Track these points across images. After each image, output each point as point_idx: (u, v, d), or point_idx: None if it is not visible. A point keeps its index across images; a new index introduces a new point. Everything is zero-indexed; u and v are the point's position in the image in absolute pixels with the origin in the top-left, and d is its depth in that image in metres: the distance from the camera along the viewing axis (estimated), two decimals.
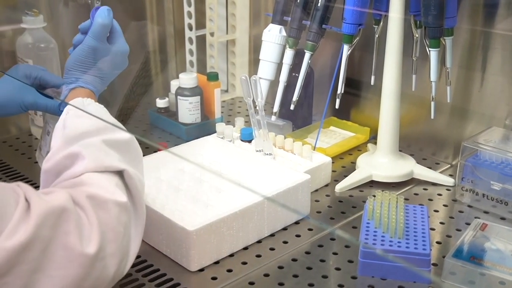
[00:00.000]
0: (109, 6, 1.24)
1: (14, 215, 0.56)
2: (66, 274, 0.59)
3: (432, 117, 1.03)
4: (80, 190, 0.64)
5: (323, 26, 1.04)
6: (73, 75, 0.85)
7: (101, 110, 0.79)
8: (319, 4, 1.03)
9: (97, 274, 0.61)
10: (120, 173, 0.70)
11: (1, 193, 0.57)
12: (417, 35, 1.03)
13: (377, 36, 1.07)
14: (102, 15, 0.85)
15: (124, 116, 1.33)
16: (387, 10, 0.99)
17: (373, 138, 1.20)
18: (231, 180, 0.95)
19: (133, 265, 0.82)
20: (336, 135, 1.22)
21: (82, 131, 0.71)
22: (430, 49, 0.98)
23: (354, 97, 1.25)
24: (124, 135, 0.74)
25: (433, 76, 1.00)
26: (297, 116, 1.23)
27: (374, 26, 1.07)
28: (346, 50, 1.03)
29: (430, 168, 1.09)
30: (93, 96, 0.84)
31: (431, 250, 0.80)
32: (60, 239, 0.58)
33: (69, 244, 0.59)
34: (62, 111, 0.79)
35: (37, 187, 1.02)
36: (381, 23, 1.05)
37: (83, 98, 0.80)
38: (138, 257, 0.82)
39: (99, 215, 0.63)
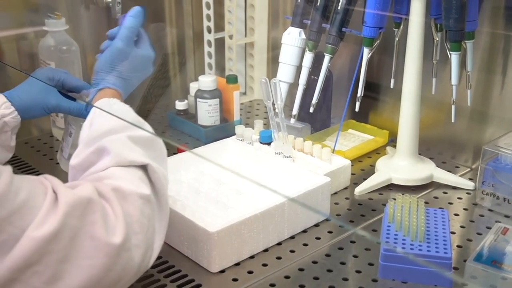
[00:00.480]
0: (128, 8, 1.26)
1: (42, 206, 0.57)
2: (93, 264, 0.60)
3: (452, 120, 1.03)
4: (105, 183, 0.66)
5: (343, 29, 1.04)
6: (101, 76, 0.87)
7: (126, 109, 0.81)
8: (339, 7, 1.03)
9: (123, 265, 0.63)
10: (144, 168, 0.71)
11: (30, 185, 0.58)
12: (437, 39, 1.03)
13: (397, 39, 1.07)
14: (131, 20, 0.88)
15: (142, 118, 1.34)
16: (407, 14, 0.99)
17: (392, 141, 1.20)
18: (254, 181, 0.96)
19: (155, 266, 0.83)
20: (355, 138, 1.23)
21: (108, 128, 0.73)
22: (451, 52, 0.98)
23: (373, 100, 1.25)
24: (147, 133, 0.76)
25: (454, 80, 1.00)
26: (315, 119, 1.24)
27: (394, 29, 1.07)
28: (366, 53, 1.03)
29: (449, 171, 1.08)
30: (119, 97, 0.86)
31: (452, 253, 0.80)
32: (87, 229, 0.60)
33: (96, 234, 0.60)
34: (88, 111, 0.81)
35: None
36: (401, 26, 1.05)
37: (109, 98, 0.82)
38: (159, 257, 0.83)
39: (124, 207, 0.64)
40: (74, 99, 0.99)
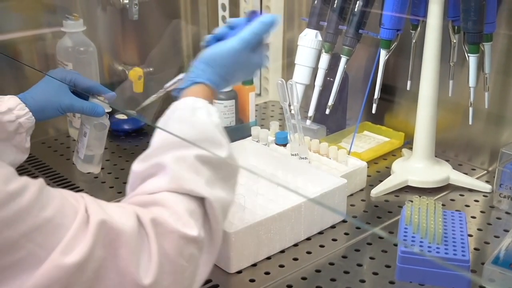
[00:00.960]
0: (145, 10, 1.27)
1: (71, 227, 0.53)
2: None
3: (470, 122, 1.03)
4: (150, 212, 0.61)
5: (360, 31, 1.04)
6: (202, 69, 0.78)
7: (208, 117, 0.72)
8: (356, 9, 1.03)
9: None
10: (201, 199, 0.65)
11: (59, 203, 0.54)
12: (454, 41, 1.03)
13: (414, 41, 1.07)
14: (261, 27, 0.81)
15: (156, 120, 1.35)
16: (425, 16, 0.99)
17: (408, 143, 1.20)
18: (275, 181, 0.96)
19: None
20: (371, 140, 1.22)
21: (178, 140, 0.67)
22: (469, 54, 0.98)
23: (388, 102, 1.25)
24: (221, 152, 0.69)
25: (472, 82, 1.00)
26: (331, 121, 1.24)
27: (411, 31, 1.07)
28: (383, 55, 1.03)
29: (466, 174, 1.08)
30: (212, 96, 0.78)
31: (470, 256, 0.80)
32: (114, 262, 0.55)
33: (124, 269, 0.55)
34: (176, 96, 0.76)
35: (74, 186, 1.05)
36: (419, 28, 1.05)
37: (196, 99, 0.73)
38: None
39: (161, 244, 0.59)
40: (87, 99, 1.00)
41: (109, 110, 1.03)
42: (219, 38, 0.82)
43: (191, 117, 0.70)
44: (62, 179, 1.10)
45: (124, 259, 0.55)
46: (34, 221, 0.51)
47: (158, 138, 0.69)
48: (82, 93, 1.00)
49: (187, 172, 0.64)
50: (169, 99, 1.35)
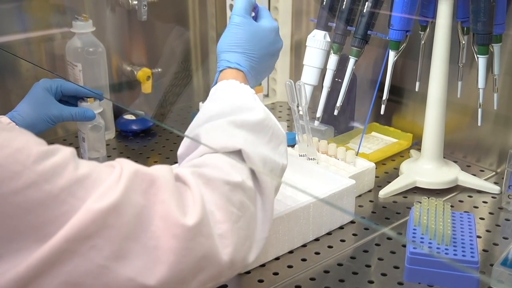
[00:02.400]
0: (152, 11, 1.27)
1: (107, 180, 0.55)
2: (160, 245, 0.55)
3: (479, 124, 1.03)
4: (189, 169, 0.63)
5: (368, 32, 1.04)
6: (222, 57, 0.80)
7: (238, 90, 0.74)
8: (364, 10, 1.03)
9: (202, 253, 0.58)
10: (239, 153, 0.66)
11: (93, 163, 0.57)
12: (463, 42, 1.02)
13: (423, 42, 1.07)
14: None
15: (167, 120, 1.36)
16: (434, 17, 0.99)
17: (416, 144, 1.20)
18: (284, 182, 0.96)
19: None
20: (379, 141, 1.22)
21: (211, 114, 0.70)
22: (478, 56, 0.98)
23: (397, 103, 1.25)
24: (255, 116, 0.70)
25: (481, 83, 0.99)
26: (339, 121, 1.24)
27: (420, 32, 1.06)
28: (392, 56, 1.03)
29: (474, 175, 1.08)
30: (243, 77, 0.78)
31: (478, 258, 0.80)
32: (155, 208, 0.56)
33: (165, 213, 0.56)
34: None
35: None
36: (428, 29, 1.05)
37: (227, 80, 0.76)
38: None
39: (204, 192, 0.60)
40: (75, 105, 1.01)
41: (100, 110, 1.05)
42: None
43: (221, 93, 0.74)
44: None
45: (163, 202, 0.56)
46: (71, 176, 0.53)
47: (194, 122, 0.72)
48: (69, 100, 1.01)
49: (220, 134, 0.67)
50: (168, 101, 1.37)
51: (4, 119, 0.91)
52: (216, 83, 0.78)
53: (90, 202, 0.53)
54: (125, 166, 0.57)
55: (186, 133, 0.71)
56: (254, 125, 0.70)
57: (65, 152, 0.54)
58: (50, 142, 1.25)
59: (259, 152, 0.68)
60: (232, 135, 0.67)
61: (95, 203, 0.53)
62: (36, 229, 0.52)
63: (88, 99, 1.03)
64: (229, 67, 0.78)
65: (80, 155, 1.09)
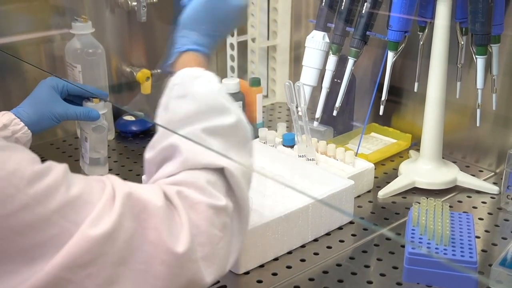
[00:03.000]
0: (152, 11, 1.27)
1: (99, 202, 0.54)
2: (148, 270, 0.55)
3: (477, 124, 1.03)
4: (174, 189, 0.61)
5: (367, 32, 1.04)
6: (185, 35, 0.74)
7: (208, 85, 0.69)
8: (363, 11, 1.03)
9: (188, 277, 0.58)
10: (220, 170, 0.64)
11: (85, 182, 0.56)
12: (462, 42, 1.03)
13: (421, 43, 1.07)
14: None
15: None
16: (432, 17, 0.99)
17: (415, 145, 1.20)
18: (282, 182, 0.96)
19: None
20: (378, 141, 1.23)
21: (182, 117, 0.66)
22: (477, 56, 0.98)
23: (396, 104, 1.25)
24: (228, 120, 0.67)
25: (479, 84, 1.00)
26: (338, 122, 1.24)
27: (419, 33, 1.07)
28: (391, 57, 1.03)
29: (473, 175, 1.08)
30: (205, 62, 0.74)
31: (477, 258, 0.80)
32: (145, 233, 0.56)
33: (155, 239, 0.56)
34: (167, 71, 0.73)
35: None
36: (426, 30, 1.05)
37: (192, 69, 0.70)
38: None
39: (190, 216, 0.60)
40: (80, 104, 1.01)
41: (104, 111, 1.06)
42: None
43: (190, 89, 0.68)
44: None
45: (155, 229, 0.56)
46: (63, 198, 0.53)
47: (160, 121, 0.68)
48: (74, 99, 1.01)
49: (198, 148, 0.64)
50: None
51: (9, 115, 0.91)
52: (172, 62, 0.73)
53: (85, 228, 0.52)
54: (117, 187, 0.57)
55: (157, 134, 0.68)
56: (226, 129, 0.67)
57: (57, 171, 0.54)
58: (50, 143, 1.26)
59: (237, 164, 0.66)
60: (209, 144, 0.65)
61: (90, 229, 0.53)
62: (26, 252, 0.52)
63: (94, 99, 1.04)
64: (191, 50, 0.73)
65: (81, 155, 1.10)
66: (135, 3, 1.24)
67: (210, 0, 0.74)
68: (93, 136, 1.05)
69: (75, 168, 1.14)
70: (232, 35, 1.39)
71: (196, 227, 0.59)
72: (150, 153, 0.68)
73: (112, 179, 0.58)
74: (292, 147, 1.12)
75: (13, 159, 0.52)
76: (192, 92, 0.68)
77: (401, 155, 1.19)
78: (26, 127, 0.91)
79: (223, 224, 0.62)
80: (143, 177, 0.96)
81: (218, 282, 0.82)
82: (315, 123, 1.13)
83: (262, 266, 0.85)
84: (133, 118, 1.29)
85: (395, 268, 0.84)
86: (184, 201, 0.60)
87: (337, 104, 1.09)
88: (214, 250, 0.61)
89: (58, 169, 0.54)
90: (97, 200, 0.55)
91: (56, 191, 0.52)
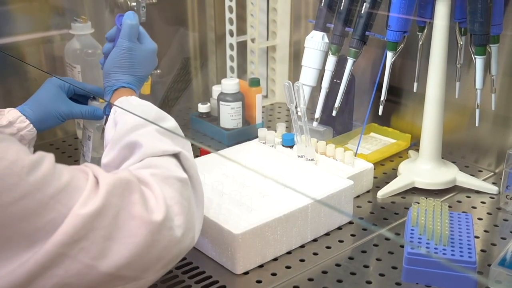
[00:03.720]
0: (152, 12, 1.28)
1: (86, 187, 0.60)
2: (136, 241, 0.62)
3: (477, 124, 1.03)
4: (143, 171, 0.69)
5: (366, 33, 1.04)
6: (113, 77, 0.88)
7: (146, 104, 0.82)
8: (362, 11, 1.03)
9: (165, 242, 0.65)
10: (176, 156, 0.74)
11: (71, 169, 0.62)
12: (461, 42, 1.03)
13: (420, 43, 1.07)
14: (130, 17, 0.88)
15: None
16: (431, 17, 0.99)
17: (414, 145, 1.20)
18: (282, 182, 0.96)
19: (179, 267, 0.84)
20: (377, 142, 1.23)
21: (134, 124, 0.75)
22: (476, 56, 0.98)
23: (395, 104, 1.25)
24: (171, 123, 0.79)
25: (479, 84, 1.00)
26: (337, 122, 1.24)
27: (418, 33, 1.07)
28: (390, 57, 1.03)
29: (472, 175, 1.08)
30: (135, 94, 0.88)
31: (476, 258, 0.80)
32: (128, 209, 0.62)
33: (136, 213, 0.62)
34: (106, 113, 0.87)
35: None
36: (425, 30, 1.05)
37: (127, 97, 0.84)
38: (183, 259, 0.84)
39: (163, 189, 0.67)
40: (85, 104, 1.02)
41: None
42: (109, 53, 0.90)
43: (134, 107, 0.79)
44: None
45: (135, 204, 0.63)
46: (58, 184, 0.58)
47: (111, 134, 0.77)
48: (79, 98, 1.02)
49: (155, 140, 0.73)
50: (169, 96, 1.36)
51: (15, 112, 0.92)
52: (109, 99, 0.87)
53: (77, 208, 0.58)
54: (99, 173, 0.63)
55: (109, 144, 0.76)
56: (173, 132, 0.78)
57: (49, 160, 0.59)
58: (50, 143, 1.26)
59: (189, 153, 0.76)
60: (162, 140, 0.74)
61: (81, 208, 0.59)
62: (28, 236, 0.56)
63: (100, 99, 1.03)
64: (123, 87, 0.87)
65: (81, 155, 1.10)
66: (134, 4, 1.23)
67: (130, 49, 0.88)
68: (97, 135, 1.05)
69: None
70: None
71: (170, 199, 0.67)
72: (107, 157, 0.75)
73: (91, 167, 0.65)
74: (291, 147, 1.12)
75: (12, 149, 0.56)
76: (136, 108, 0.79)
77: (401, 155, 1.19)
78: (32, 125, 0.92)
79: (188, 196, 0.70)
80: None
81: (218, 282, 0.82)
82: (315, 123, 1.13)
83: (261, 266, 0.85)
84: None
85: (394, 268, 0.84)
86: (155, 177, 0.68)
87: (337, 104, 1.09)
88: (185, 219, 0.68)
89: (49, 158, 0.60)
90: (84, 185, 0.60)
91: (52, 178, 0.58)
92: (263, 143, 1.13)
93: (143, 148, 0.72)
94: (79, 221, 0.58)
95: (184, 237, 0.68)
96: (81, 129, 1.24)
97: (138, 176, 0.67)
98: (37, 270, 0.57)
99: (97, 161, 1.07)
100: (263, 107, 1.42)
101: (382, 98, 1.06)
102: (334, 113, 1.10)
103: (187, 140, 0.80)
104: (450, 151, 1.16)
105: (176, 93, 1.36)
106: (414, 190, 1.05)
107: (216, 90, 1.30)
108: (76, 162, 1.18)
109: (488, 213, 0.99)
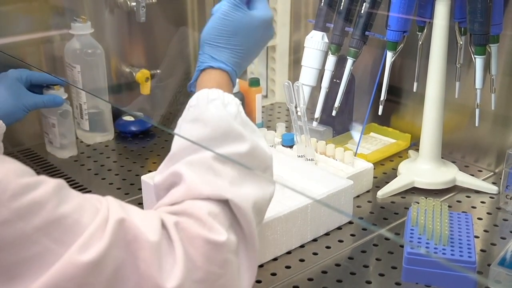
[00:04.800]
0: (152, 13, 1.28)
1: (90, 225, 0.51)
2: None
3: (476, 124, 1.03)
4: (173, 219, 0.58)
5: (366, 32, 1.04)
6: (206, 51, 0.70)
7: (223, 109, 0.65)
8: (362, 11, 1.03)
9: None
10: (225, 201, 0.61)
11: (79, 201, 0.52)
12: (461, 42, 1.03)
13: (420, 43, 1.07)
14: None
15: (166, 121, 1.36)
16: (431, 17, 0.99)
17: (414, 145, 1.20)
18: (281, 182, 0.96)
19: None
20: (377, 141, 1.23)
21: (194, 139, 0.63)
22: (475, 56, 0.98)
23: (395, 104, 1.25)
24: (241, 147, 0.64)
25: (478, 84, 1.00)
26: (337, 122, 1.24)
27: (417, 33, 1.07)
28: (390, 57, 1.03)
29: (472, 175, 1.08)
30: (227, 81, 0.70)
31: (476, 258, 0.80)
32: (134, 264, 0.52)
33: (144, 272, 0.52)
34: (191, 91, 0.71)
35: (81, 187, 1.06)
36: (425, 30, 1.05)
37: (209, 90, 0.67)
38: None
39: (187, 250, 0.56)
40: (41, 93, 1.08)
41: (65, 96, 1.13)
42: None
43: (204, 113, 0.64)
44: (67, 178, 1.10)
45: (145, 261, 0.53)
46: (49, 216, 0.49)
47: (175, 143, 0.65)
48: (34, 89, 1.07)
49: (206, 176, 0.61)
50: (178, 101, 1.37)
51: None
52: (195, 81, 0.71)
53: (73, 253, 0.49)
54: (112, 212, 0.53)
55: (165, 161, 0.65)
56: (241, 157, 0.64)
57: (48, 186, 0.50)
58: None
59: (249, 195, 0.62)
60: (217, 175, 0.61)
61: (78, 255, 0.49)
62: (6, 269, 0.48)
63: (55, 86, 1.10)
64: (212, 67, 0.70)
65: (47, 142, 1.17)
66: (134, 4, 1.24)
67: (229, 15, 0.70)
68: (61, 121, 1.13)
69: (73, 167, 1.15)
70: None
71: (192, 262, 0.56)
72: (158, 178, 0.65)
73: (109, 202, 0.55)
74: (291, 147, 1.12)
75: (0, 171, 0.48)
76: (204, 116, 0.64)
77: (400, 155, 1.19)
78: (1, 121, 0.93)
79: (224, 261, 0.58)
80: (143, 177, 0.96)
81: None
82: (314, 123, 1.13)
83: (261, 266, 0.85)
84: (132, 119, 1.29)
85: (394, 268, 0.84)
86: (182, 233, 0.57)
87: (336, 104, 1.09)
88: (212, 287, 0.57)
89: (49, 184, 0.51)
90: (88, 223, 0.51)
91: (41, 207, 0.49)
92: None
93: (186, 186, 0.60)
94: (72, 270, 0.49)
95: None
96: (81, 129, 1.25)
97: (164, 223, 0.56)
98: None
99: (66, 145, 1.16)
100: (263, 107, 1.42)
101: (382, 98, 1.06)
102: (334, 113, 1.10)
103: (265, 160, 0.65)
104: (450, 151, 1.16)
105: (185, 98, 1.36)
106: (414, 190, 1.05)
107: None
108: (75, 162, 1.18)
109: (488, 213, 0.99)
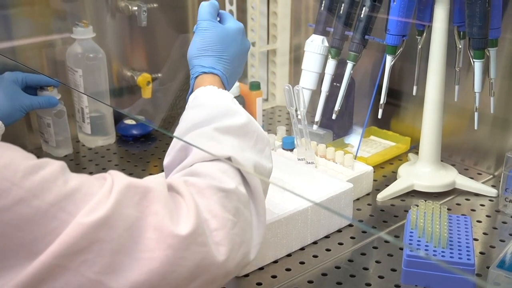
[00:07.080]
0: (153, 18, 1.29)
1: (97, 194, 0.54)
2: (154, 257, 0.55)
3: (475, 127, 1.04)
4: (181, 179, 0.63)
5: (366, 36, 1.05)
6: (195, 63, 0.80)
7: (218, 96, 0.75)
8: (362, 15, 1.04)
9: (196, 261, 0.57)
10: (229, 160, 0.66)
11: (84, 177, 0.56)
12: (460, 46, 1.03)
13: (420, 47, 1.07)
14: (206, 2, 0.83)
15: (167, 125, 1.36)
16: (430, 21, 1.00)
17: (414, 148, 1.21)
18: (281, 185, 0.97)
19: None
20: (377, 145, 1.23)
21: (195, 122, 0.71)
22: (474, 60, 0.98)
23: (394, 107, 1.26)
24: (238, 119, 0.72)
25: (477, 87, 1.00)
26: (337, 125, 1.25)
27: (417, 37, 1.07)
28: (389, 60, 1.04)
29: (472, 178, 1.09)
30: (218, 81, 0.79)
31: (475, 260, 0.81)
32: (148, 220, 0.56)
33: (159, 224, 0.56)
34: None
35: None
36: (424, 34, 1.06)
37: (205, 87, 0.76)
38: None
39: (198, 201, 0.60)
40: (36, 95, 1.11)
41: (59, 97, 1.16)
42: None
43: (202, 99, 0.74)
44: None
45: (156, 214, 0.56)
46: (61, 190, 0.52)
47: (177, 130, 0.73)
48: (29, 91, 1.10)
49: (209, 143, 0.67)
50: (178, 105, 1.38)
51: None
52: (192, 90, 0.79)
53: (80, 217, 0.52)
54: (116, 179, 0.57)
55: (171, 144, 0.71)
56: (238, 129, 0.71)
57: (54, 165, 0.53)
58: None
59: (248, 157, 0.69)
60: (219, 142, 0.68)
61: (85, 217, 0.52)
62: (27, 246, 0.51)
63: (48, 87, 1.13)
64: (204, 72, 0.79)
65: (43, 142, 1.19)
66: (135, 8, 1.24)
67: (209, 29, 0.80)
68: (56, 121, 1.16)
69: (76, 171, 1.15)
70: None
71: (207, 211, 0.60)
72: (167, 159, 0.71)
73: (113, 174, 0.58)
74: (291, 150, 1.12)
75: (5, 155, 0.51)
76: (202, 101, 0.74)
77: (400, 158, 1.20)
78: (1, 122, 0.98)
79: (236, 209, 0.62)
80: None
81: None
82: (315, 127, 1.13)
83: (261, 268, 0.86)
84: (134, 122, 1.30)
85: (393, 270, 0.85)
86: (192, 187, 0.62)
87: (336, 107, 1.10)
88: (228, 234, 0.60)
89: (55, 164, 0.54)
90: (96, 192, 0.54)
91: (52, 184, 0.52)
92: None
93: (192, 153, 0.67)
94: (79, 230, 0.51)
95: (228, 254, 0.60)
96: (83, 132, 1.25)
97: (172, 185, 0.61)
98: (31, 282, 0.51)
99: (62, 143, 1.19)
100: (263, 110, 1.43)
101: (381, 101, 1.07)
102: (334, 116, 1.11)
103: (261, 136, 0.73)
104: (449, 154, 1.17)
105: (184, 102, 1.37)
106: (414, 193, 1.06)
107: None
108: (77, 165, 1.19)
109: (487, 216, 0.99)
